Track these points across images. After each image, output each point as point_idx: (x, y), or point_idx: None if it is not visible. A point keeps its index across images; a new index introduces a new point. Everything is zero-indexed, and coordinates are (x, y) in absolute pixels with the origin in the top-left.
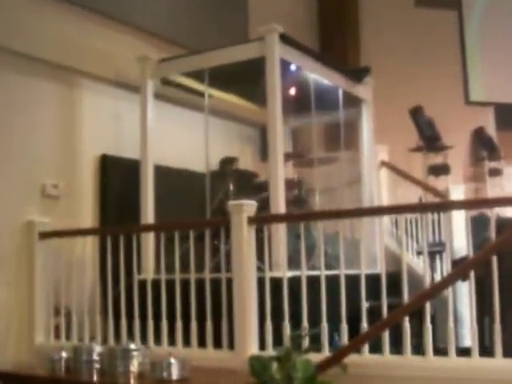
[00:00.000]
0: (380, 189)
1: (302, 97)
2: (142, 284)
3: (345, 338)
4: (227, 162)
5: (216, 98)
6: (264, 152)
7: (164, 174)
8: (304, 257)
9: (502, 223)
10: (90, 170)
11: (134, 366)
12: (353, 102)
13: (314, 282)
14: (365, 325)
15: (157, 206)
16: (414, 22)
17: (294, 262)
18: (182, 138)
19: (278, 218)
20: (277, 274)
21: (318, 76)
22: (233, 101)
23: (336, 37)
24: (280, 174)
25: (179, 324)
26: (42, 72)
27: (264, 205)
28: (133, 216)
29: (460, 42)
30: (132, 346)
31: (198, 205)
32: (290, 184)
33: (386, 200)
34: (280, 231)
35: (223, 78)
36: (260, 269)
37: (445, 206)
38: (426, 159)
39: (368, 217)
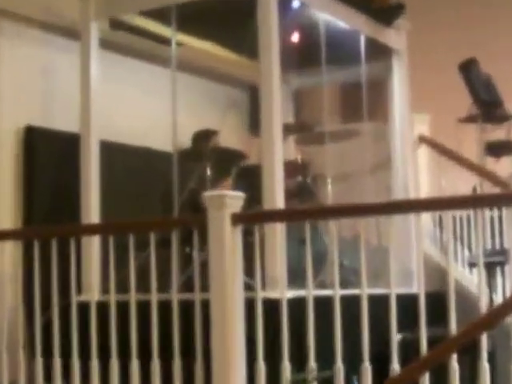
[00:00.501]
0: (418, 175)
1: (308, 45)
2: (83, 308)
3: None
4: (203, 137)
5: (187, 48)
6: (255, 123)
7: (114, 154)
8: (310, 270)
9: None
10: (9, 147)
11: None
12: (380, 53)
13: (324, 304)
14: (396, 366)
15: (104, 199)
16: None
17: (296, 278)
18: (139, 104)
19: (275, 216)
20: (272, 294)
21: (332, 16)
22: (211, 51)
23: None
24: (277, 153)
25: (135, 363)
26: None
27: (254, 197)
28: (70, 212)
29: None
30: None
31: (161, 197)
32: (291, 168)
33: (425, 190)
34: (277, 234)
35: (197, 18)
36: (249, 287)
37: (508, 198)
38: (482, 134)
39: (400, 214)
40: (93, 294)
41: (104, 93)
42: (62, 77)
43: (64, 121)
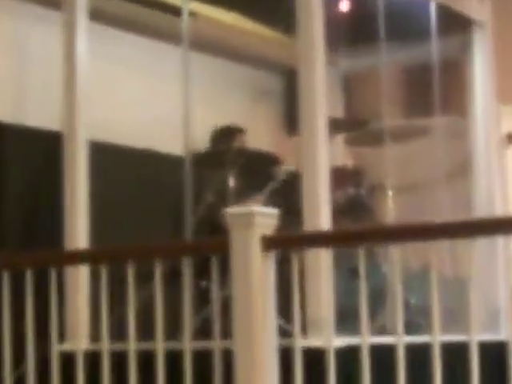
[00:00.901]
0: (506, 183)
1: (362, 17)
2: (68, 359)
3: None
4: (224, 136)
5: (203, 19)
6: (292, 117)
7: (108, 159)
8: (366, 310)
9: None
10: None
11: None
12: (456, 25)
13: (383, 355)
14: None
15: (95, 216)
16: None
17: (346, 321)
18: (141, 93)
19: (318, 239)
20: (316, 341)
21: None
22: (234, 24)
23: None
24: (322, 157)
25: None
26: None
27: (291, 214)
28: (50, 234)
29: None
30: None
31: (169, 215)
32: (340, 176)
33: None
34: (322, 263)
35: None
36: (285, 332)
37: None
38: None
39: (484, 236)
40: (79, 342)
41: (94, 78)
42: (40, 57)
43: (42, 116)
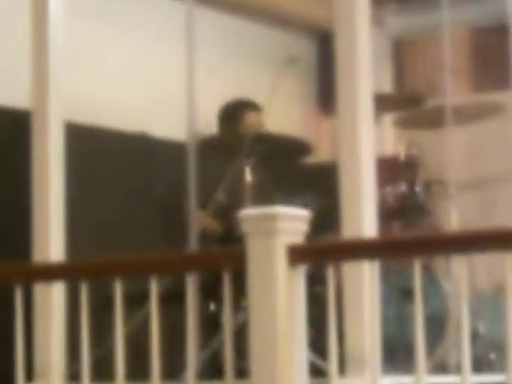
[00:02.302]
0: None
1: None
2: None
3: None
4: (237, 115)
5: None
6: (327, 94)
7: (90, 144)
8: (422, 343)
9: None
10: None
11: None
12: None
13: None
14: None
15: (71, 220)
16: None
17: (396, 357)
18: (133, 62)
19: (360, 249)
20: (358, 382)
21: None
22: None
23: None
24: (366, 144)
25: None
26: None
27: (326, 218)
28: (14, 242)
29: None
30: None
31: (169, 217)
32: (389, 169)
33: None
34: (365, 280)
35: None
36: (318, 370)
37: None
38: None
39: None
40: (52, 382)
41: (72, 43)
42: (4, 21)
43: (6, 91)
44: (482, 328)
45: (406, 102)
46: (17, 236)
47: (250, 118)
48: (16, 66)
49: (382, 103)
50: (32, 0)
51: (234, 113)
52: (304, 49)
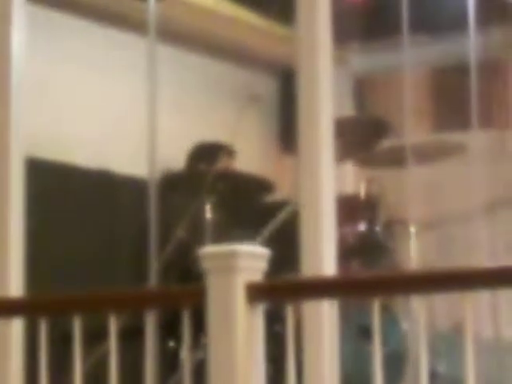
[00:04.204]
0: None
1: (379, 6)
2: None
3: None
4: (213, 157)
5: (175, 3)
6: (288, 132)
7: (51, 181)
8: (380, 381)
9: None
10: None
11: None
12: (499, 16)
13: None
14: None
15: (31, 255)
16: None
17: None
18: (95, 97)
19: (320, 288)
20: None
21: None
22: (213, 8)
23: None
24: (327, 183)
25: None
26: None
27: (286, 256)
28: None
29: None
30: None
31: (129, 253)
32: (349, 208)
33: None
34: (324, 319)
35: None
36: None
37: None
38: None
39: None
40: None
41: (35, 76)
42: None
43: None
44: (441, 367)
45: (367, 129)
46: None
47: (223, 161)
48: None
49: (344, 131)
50: None
51: (209, 154)
52: (266, 87)
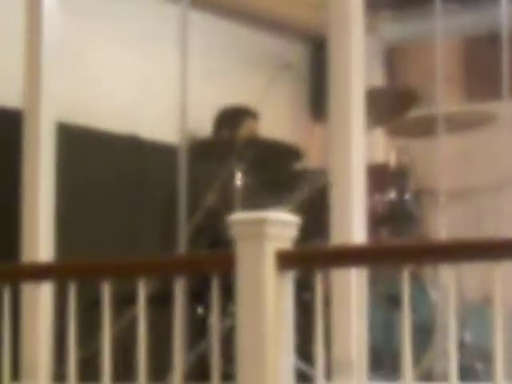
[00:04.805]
0: None
1: None
2: None
3: None
4: (231, 120)
5: None
6: (319, 100)
7: (81, 145)
8: (409, 350)
9: None
10: None
11: None
12: None
13: None
14: None
15: (61, 221)
16: None
17: (383, 363)
18: (127, 61)
19: (349, 256)
20: None
21: None
22: None
23: None
24: (356, 152)
25: None
26: None
27: (315, 224)
28: (3, 242)
29: None
30: None
31: (158, 220)
32: (379, 176)
33: None
34: (352, 287)
35: None
36: (305, 376)
37: None
38: None
39: None
40: (39, 381)
41: (65, 43)
42: None
43: None
44: (468, 337)
45: (398, 99)
46: (6, 236)
47: (247, 125)
48: (8, 66)
49: (375, 101)
50: (26, 1)
51: (233, 118)
52: (297, 55)
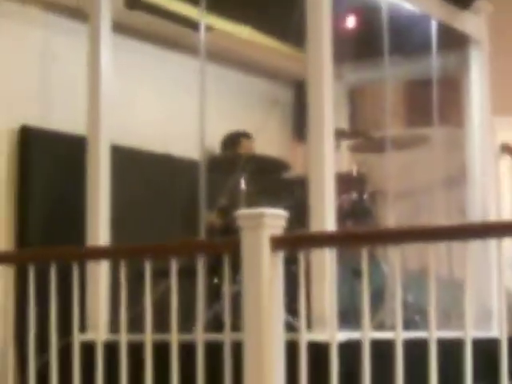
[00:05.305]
0: (500, 191)
1: (367, 33)
2: (88, 348)
3: None
4: (235, 141)
5: (219, 33)
6: (300, 126)
7: (128, 162)
8: (367, 307)
9: None
10: (0, 150)
11: None
12: (455, 42)
13: (383, 350)
14: None
15: (114, 216)
16: None
17: (349, 317)
18: (160, 101)
19: (324, 240)
20: (320, 336)
21: None
22: (247, 37)
23: None
24: (328, 164)
25: None
26: None
27: (299, 217)
28: (73, 232)
29: None
30: None
31: (185, 215)
32: (344, 182)
33: (509, 210)
34: (327, 263)
35: None
36: (291, 327)
37: None
38: None
39: (478, 239)
40: (99, 333)
41: (117, 86)
42: (65, 66)
43: (66, 120)
44: (410, 298)
45: (358, 134)
46: (76, 228)
47: (244, 144)
48: (76, 104)
49: (341, 134)
50: (89, 52)
51: (232, 139)
52: (284, 94)
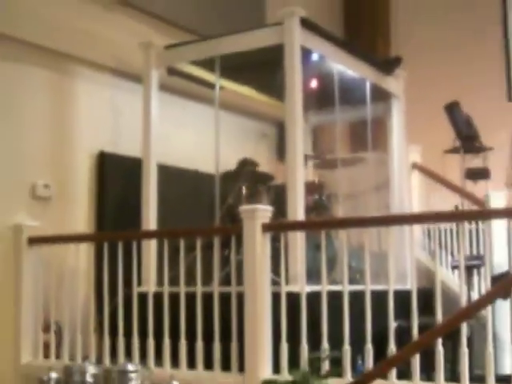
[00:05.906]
0: (411, 194)
1: (324, 90)
2: (143, 297)
3: (370, 362)
4: (247, 164)
5: (228, 90)
6: (281, 150)
7: (168, 175)
8: (324, 270)
9: None
10: (85, 168)
11: None
12: (382, 96)
13: (335, 298)
14: (392, 347)
15: (160, 210)
16: (452, 9)
17: (313, 276)
18: (189, 135)
19: (297, 226)
20: (294, 288)
21: (343, 66)
22: (247, 93)
23: (363, 23)
24: (299, 176)
25: (183, 343)
26: (33, 58)
27: (280, 210)
28: (133, 221)
29: (504, 34)
30: (130, 367)
31: (206, 210)
32: (309, 187)
33: (417, 207)
34: (298, 240)
35: (236, 67)
36: (275, 282)
37: (484, 214)
38: (463, 162)
39: (397, 225)
40: (150, 287)
41: (161, 126)
42: (128, 113)
43: (129, 148)
44: (353, 263)
45: (318, 157)
46: (135, 219)
47: (250, 166)
48: (135, 135)
49: (307, 157)
50: (143, 104)
51: (246, 163)
52: (271, 130)
